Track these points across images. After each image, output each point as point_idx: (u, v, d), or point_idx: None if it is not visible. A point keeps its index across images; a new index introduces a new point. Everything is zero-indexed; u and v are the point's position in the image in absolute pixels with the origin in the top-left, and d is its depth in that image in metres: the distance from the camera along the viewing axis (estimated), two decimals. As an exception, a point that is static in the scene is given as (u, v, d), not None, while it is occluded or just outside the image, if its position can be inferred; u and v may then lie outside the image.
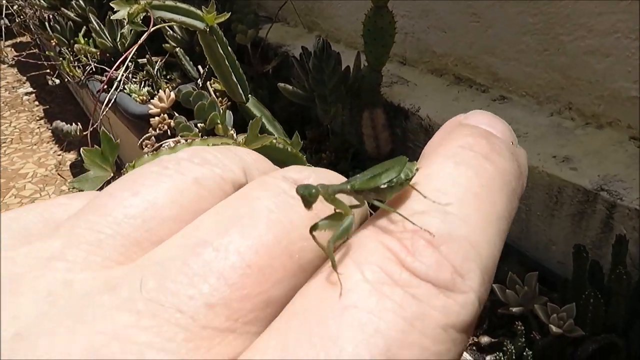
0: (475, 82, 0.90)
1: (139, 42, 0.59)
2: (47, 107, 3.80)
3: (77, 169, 3.04)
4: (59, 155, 3.19)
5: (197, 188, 0.18)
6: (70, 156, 3.17)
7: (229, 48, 0.61)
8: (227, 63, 0.61)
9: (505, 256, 0.67)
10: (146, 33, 0.51)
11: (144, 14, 0.45)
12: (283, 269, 0.15)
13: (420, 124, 0.85)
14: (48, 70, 2.15)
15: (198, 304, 0.13)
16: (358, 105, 0.84)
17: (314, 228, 0.16)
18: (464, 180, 0.17)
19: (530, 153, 0.71)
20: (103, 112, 1.10)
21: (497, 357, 0.53)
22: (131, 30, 1.34)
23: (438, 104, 0.86)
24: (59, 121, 1.08)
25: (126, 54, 0.62)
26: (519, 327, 0.53)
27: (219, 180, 0.18)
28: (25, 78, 4.34)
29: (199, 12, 0.54)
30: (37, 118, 3.66)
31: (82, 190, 0.28)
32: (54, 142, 3.35)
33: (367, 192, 0.17)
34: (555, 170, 0.68)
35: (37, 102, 3.90)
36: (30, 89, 4.08)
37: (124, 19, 0.43)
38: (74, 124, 1.09)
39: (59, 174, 2.98)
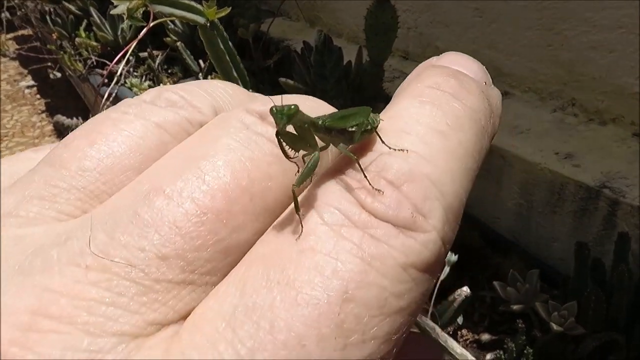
0: (478, 78, 0.89)
1: (139, 37, 0.58)
2: (49, 100, 3.80)
3: (79, 162, 3.04)
4: (61, 148, 3.19)
5: (159, 133, 0.16)
6: (72, 150, 3.18)
7: (230, 43, 0.60)
8: (227, 58, 0.61)
9: (505, 252, 0.66)
10: (145, 28, 0.51)
11: (143, 9, 0.44)
12: (243, 213, 0.14)
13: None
14: (49, 64, 2.15)
15: (150, 256, 0.13)
16: (360, 100, 0.84)
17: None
18: (428, 119, 0.17)
19: (533, 149, 0.70)
20: (103, 105, 1.09)
21: (498, 355, 0.53)
22: (131, 25, 1.34)
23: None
24: (60, 115, 1.08)
25: (126, 48, 0.62)
26: (520, 325, 0.53)
27: (184, 123, 0.17)
28: (27, 71, 4.34)
29: (199, 6, 0.53)
30: (39, 111, 3.66)
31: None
32: (55, 135, 3.35)
33: (335, 133, 0.17)
34: (557, 166, 0.67)
35: (38, 96, 3.90)
36: (32, 82, 4.08)
37: (123, 14, 0.43)
38: (74, 118, 1.09)
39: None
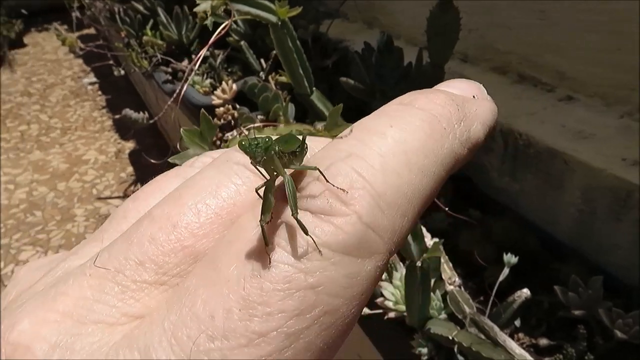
0: (540, 81, 0.88)
1: (219, 34, 0.61)
2: (109, 97, 3.98)
3: (135, 157, 3.17)
4: (119, 143, 3.33)
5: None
6: (129, 145, 3.31)
7: (298, 42, 0.63)
8: (295, 56, 0.63)
9: (564, 258, 0.66)
10: (225, 24, 0.53)
11: (224, 7, 0.47)
12: (210, 226, 0.17)
13: (481, 122, 0.84)
14: (112, 62, 2.25)
15: (131, 263, 0.16)
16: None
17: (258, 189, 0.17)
18: (372, 123, 0.18)
19: (598, 154, 0.69)
20: (169, 101, 1.14)
21: (557, 359, 0.53)
22: (195, 24, 1.39)
23: (500, 102, 0.85)
24: (127, 109, 1.13)
25: (211, 41, 0.65)
26: (581, 331, 0.53)
27: None
28: (89, 68, 4.56)
29: (272, 6, 0.56)
30: (100, 107, 3.83)
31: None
32: (114, 130, 3.50)
33: (286, 155, 0.18)
34: (623, 173, 0.66)
35: (100, 92, 4.09)
36: (95, 79, 4.28)
37: (206, 11, 0.46)
38: (141, 112, 1.14)
39: (118, 161, 3.12)
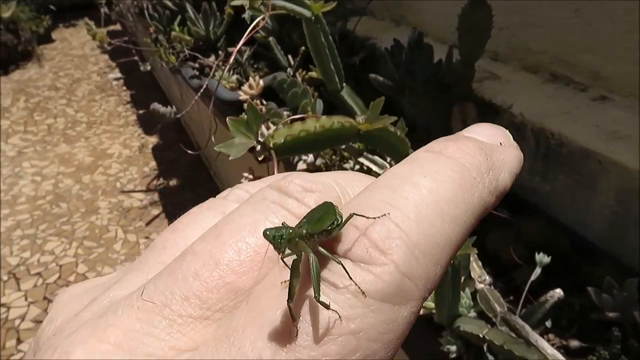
0: (573, 81, 0.86)
1: (254, 28, 0.61)
2: (134, 92, 4.03)
3: (158, 151, 3.21)
4: (143, 138, 3.37)
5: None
6: (153, 139, 3.35)
7: (330, 37, 0.63)
8: (327, 52, 0.63)
9: (596, 260, 0.65)
10: (260, 17, 0.54)
11: (261, 0, 0.48)
12: (250, 263, 0.18)
13: (512, 121, 0.83)
14: (136, 58, 2.29)
15: (177, 297, 0.17)
16: (448, 99, 0.84)
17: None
18: (404, 173, 0.19)
19: (633, 156, 0.68)
20: (197, 96, 1.15)
21: (590, 360, 0.52)
22: (223, 20, 1.40)
23: (532, 102, 0.84)
24: (156, 103, 1.15)
25: (244, 37, 0.65)
26: (615, 333, 0.52)
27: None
28: (115, 64, 4.63)
29: (307, 1, 0.56)
30: (124, 102, 3.89)
31: (228, 154, 0.31)
32: (138, 125, 3.55)
33: (317, 236, 0.18)
34: (660, 174, 0.64)
35: (124, 88, 4.15)
36: (120, 75, 4.34)
37: (244, 5, 0.46)
38: (169, 106, 1.16)
39: (141, 156, 3.16)
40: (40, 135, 3.49)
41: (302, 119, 0.36)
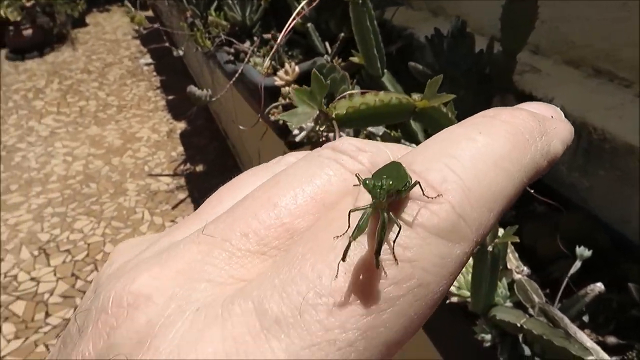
0: (617, 76, 0.85)
1: (297, 15, 0.62)
2: (164, 78, 4.08)
3: (186, 137, 3.25)
4: (171, 123, 3.42)
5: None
6: (181, 125, 3.39)
7: (375, 22, 0.63)
8: (371, 36, 0.63)
9: (635, 258, 0.63)
10: (305, 2, 0.54)
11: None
12: (306, 207, 0.19)
13: (552, 114, 0.82)
14: (167, 44, 2.31)
15: (237, 234, 0.18)
16: (488, 90, 0.83)
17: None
18: (461, 130, 0.20)
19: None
20: (231, 81, 1.16)
21: (630, 356, 0.51)
22: (259, 6, 1.41)
23: (574, 96, 0.83)
24: (192, 86, 1.16)
25: (287, 26, 0.66)
26: (657, 329, 0.51)
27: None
28: (146, 50, 4.69)
29: (355, -17, 0.56)
30: (155, 87, 3.94)
31: (291, 124, 0.31)
32: (167, 110, 3.59)
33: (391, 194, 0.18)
34: None
35: (155, 73, 4.20)
36: (150, 60, 4.40)
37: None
38: (205, 90, 1.17)
39: (169, 141, 3.21)
40: (72, 116, 3.57)
41: (362, 94, 0.36)
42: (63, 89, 4.00)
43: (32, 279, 2.17)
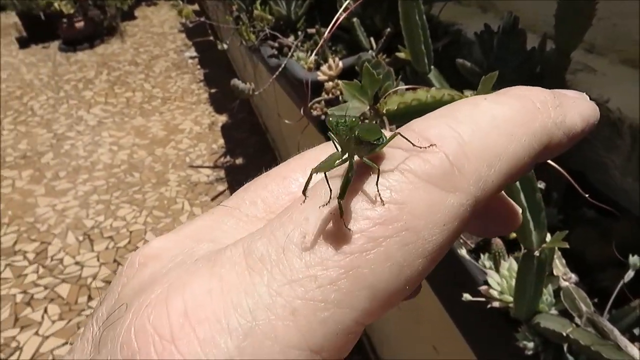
0: (680, 77, 0.80)
1: (343, 9, 0.61)
2: (207, 71, 4.15)
3: (227, 130, 3.29)
4: (213, 116, 3.47)
5: None
6: (222, 118, 3.44)
7: (424, 17, 0.61)
8: (420, 31, 0.61)
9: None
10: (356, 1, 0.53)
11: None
12: (313, 184, 0.19)
13: (607, 116, 0.78)
14: (211, 38, 2.34)
15: (246, 202, 0.20)
16: (538, 90, 0.80)
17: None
18: (466, 98, 0.19)
19: None
20: (274, 75, 1.17)
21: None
22: (305, 1, 1.41)
23: (632, 97, 0.79)
24: (236, 79, 1.17)
25: (332, 24, 0.65)
26: None
27: None
28: (191, 43, 4.78)
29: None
30: (198, 80, 4.01)
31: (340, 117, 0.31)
32: (209, 103, 3.65)
33: (363, 145, 0.18)
34: None
35: (199, 66, 4.27)
36: (195, 54, 4.48)
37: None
38: (248, 83, 1.18)
39: (211, 133, 3.26)
40: (119, 107, 3.67)
41: (413, 89, 0.35)
42: (111, 80, 4.12)
43: (77, 263, 2.25)
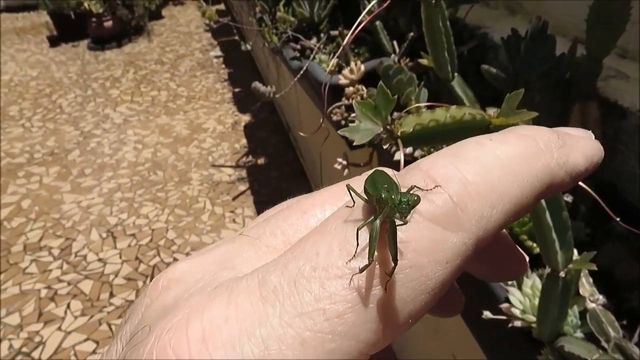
0: None
1: (367, 12, 0.59)
2: (232, 71, 4.17)
3: (249, 129, 3.30)
4: (236, 115, 3.49)
5: None
6: (245, 117, 3.45)
7: (448, 22, 0.59)
8: (443, 38, 0.59)
9: None
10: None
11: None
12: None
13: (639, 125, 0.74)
14: (236, 37, 2.34)
15: (267, 233, 0.21)
16: (567, 97, 0.77)
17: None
18: (473, 138, 0.20)
19: None
20: (296, 77, 1.15)
21: None
22: (328, 3, 1.39)
23: (667, 106, 0.75)
24: (257, 82, 1.17)
25: (355, 28, 0.63)
26: None
27: None
28: (216, 42, 4.81)
29: (428, -19, 0.53)
30: (222, 80, 4.03)
31: (352, 140, 0.29)
32: (233, 103, 3.67)
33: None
34: None
35: (223, 66, 4.30)
36: (220, 53, 4.51)
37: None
38: (269, 86, 1.17)
39: (234, 133, 3.27)
40: (144, 105, 3.72)
41: (431, 107, 0.33)
42: (137, 79, 4.18)
43: (100, 259, 2.28)
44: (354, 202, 0.19)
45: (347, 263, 0.16)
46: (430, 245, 0.17)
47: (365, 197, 0.19)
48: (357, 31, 0.72)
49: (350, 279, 0.16)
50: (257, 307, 0.16)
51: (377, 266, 0.17)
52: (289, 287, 0.16)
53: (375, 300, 0.16)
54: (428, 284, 0.17)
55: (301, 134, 1.16)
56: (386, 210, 0.18)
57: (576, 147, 0.20)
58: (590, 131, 0.23)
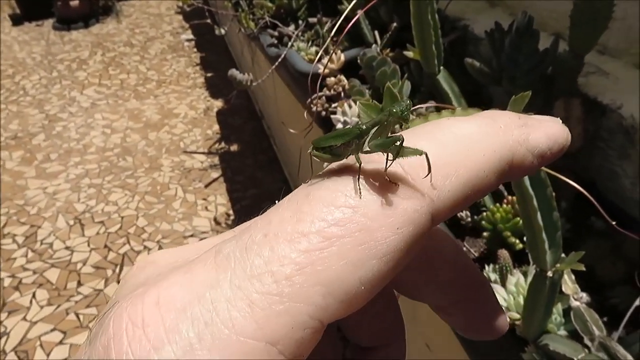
0: (696, 85, 0.77)
1: (350, 8, 0.57)
2: (204, 55, 4.08)
3: (222, 116, 3.24)
4: (209, 101, 3.42)
5: None
6: (218, 103, 3.39)
7: (436, 16, 0.58)
8: (431, 31, 0.58)
9: None
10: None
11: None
12: None
13: (620, 123, 0.75)
14: (209, 21, 2.28)
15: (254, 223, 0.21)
16: (549, 93, 0.77)
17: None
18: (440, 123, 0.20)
19: None
20: (274, 65, 1.13)
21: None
22: (307, -11, 1.36)
23: (645, 104, 0.76)
24: (234, 69, 1.13)
25: (339, 20, 0.61)
26: None
27: None
28: (188, 25, 4.69)
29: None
30: (194, 64, 3.94)
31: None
32: (205, 88, 3.59)
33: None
34: None
35: (195, 49, 4.20)
36: (192, 37, 4.40)
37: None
38: (246, 74, 1.14)
39: (206, 118, 3.21)
40: (113, 89, 3.61)
41: (437, 109, 0.32)
42: (105, 61, 4.04)
43: (67, 247, 2.22)
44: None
45: (296, 226, 0.17)
46: (379, 210, 0.17)
47: (337, 144, 0.20)
48: (339, 22, 0.70)
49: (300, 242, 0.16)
50: (210, 273, 0.16)
51: (328, 227, 0.17)
52: (240, 253, 0.16)
53: (324, 262, 0.16)
54: (379, 248, 0.17)
55: (291, 130, 1.13)
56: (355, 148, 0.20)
57: (538, 127, 0.21)
58: (559, 118, 0.23)
